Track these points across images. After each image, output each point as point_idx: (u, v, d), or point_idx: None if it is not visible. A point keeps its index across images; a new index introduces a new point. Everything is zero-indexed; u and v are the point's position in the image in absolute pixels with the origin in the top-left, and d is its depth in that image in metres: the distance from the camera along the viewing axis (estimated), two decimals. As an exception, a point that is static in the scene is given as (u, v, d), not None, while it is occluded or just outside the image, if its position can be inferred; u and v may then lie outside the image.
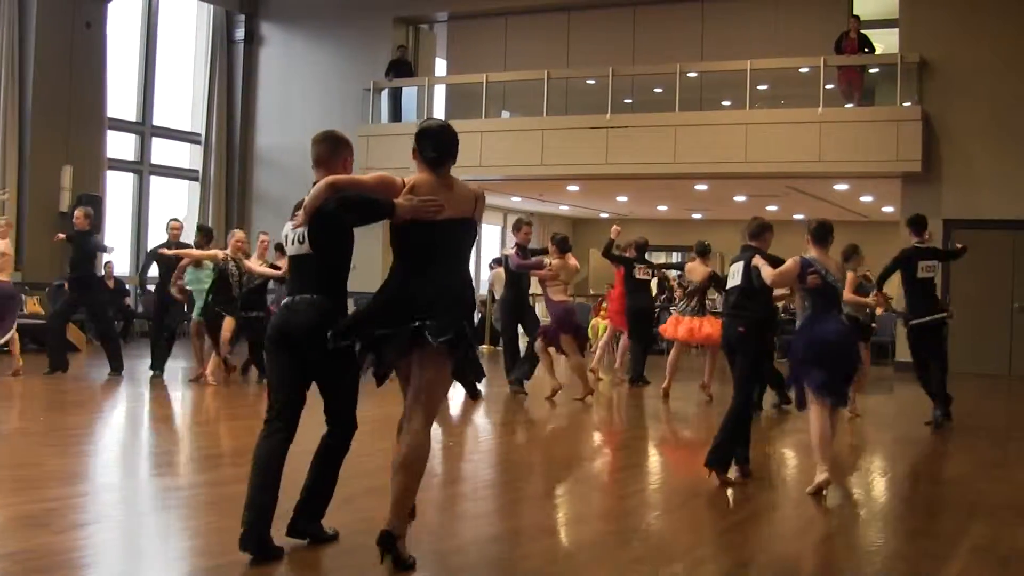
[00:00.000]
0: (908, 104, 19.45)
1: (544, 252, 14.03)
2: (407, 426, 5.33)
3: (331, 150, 5.70)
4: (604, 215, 31.11)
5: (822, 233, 8.12)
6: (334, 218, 5.34)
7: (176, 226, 15.11)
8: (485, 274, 25.61)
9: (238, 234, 14.18)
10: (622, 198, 26.63)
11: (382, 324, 5.20)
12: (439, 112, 23.99)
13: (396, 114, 24.18)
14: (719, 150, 20.14)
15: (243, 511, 5.34)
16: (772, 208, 27.09)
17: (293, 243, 5.59)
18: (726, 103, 21.62)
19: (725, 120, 20.60)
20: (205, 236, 14.75)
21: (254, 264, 13.97)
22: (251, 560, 5.26)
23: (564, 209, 30.83)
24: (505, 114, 24.05)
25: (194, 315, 14.10)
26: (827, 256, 8.13)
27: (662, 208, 29.26)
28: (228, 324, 13.63)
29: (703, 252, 14.07)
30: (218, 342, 13.72)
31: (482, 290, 25.43)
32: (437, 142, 5.49)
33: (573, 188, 24.82)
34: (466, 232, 5.44)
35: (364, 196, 5.31)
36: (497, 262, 24.11)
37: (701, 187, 23.70)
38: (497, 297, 22.60)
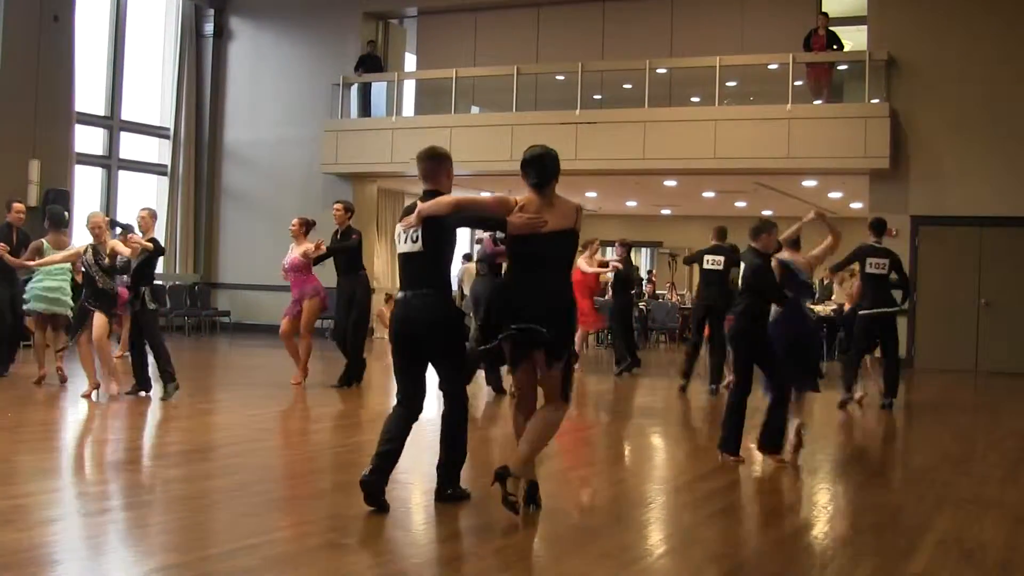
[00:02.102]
0: (876, 101, 19.57)
1: None
2: (549, 407, 6.44)
3: (436, 165, 6.64)
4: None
5: (793, 239, 9.15)
6: (445, 224, 6.38)
7: (19, 208, 13.69)
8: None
9: (94, 218, 12.29)
10: (591, 193, 26.62)
11: (510, 321, 6.27)
12: (408, 107, 23.97)
13: (366, 109, 24.12)
14: (688, 146, 20.21)
15: (369, 464, 6.41)
16: (740, 204, 27.23)
17: (406, 242, 6.50)
18: (695, 99, 21.70)
19: (694, 116, 20.68)
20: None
21: (119, 245, 12.04)
22: (369, 510, 6.27)
23: None
24: (475, 109, 24.04)
25: (31, 306, 12.83)
26: (799, 255, 9.06)
27: (631, 204, 29.33)
28: (100, 321, 11.90)
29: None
30: (90, 341, 12.00)
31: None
32: (537, 169, 6.45)
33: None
34: (568, 241, 6.46)
35: (483, 215, 6.53)
36: (467, 258, 24.17)
37: (670, 183, 23.79)
38: (467, 292, 22.71)
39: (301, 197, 22.76)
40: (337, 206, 13.87)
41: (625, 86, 22.40)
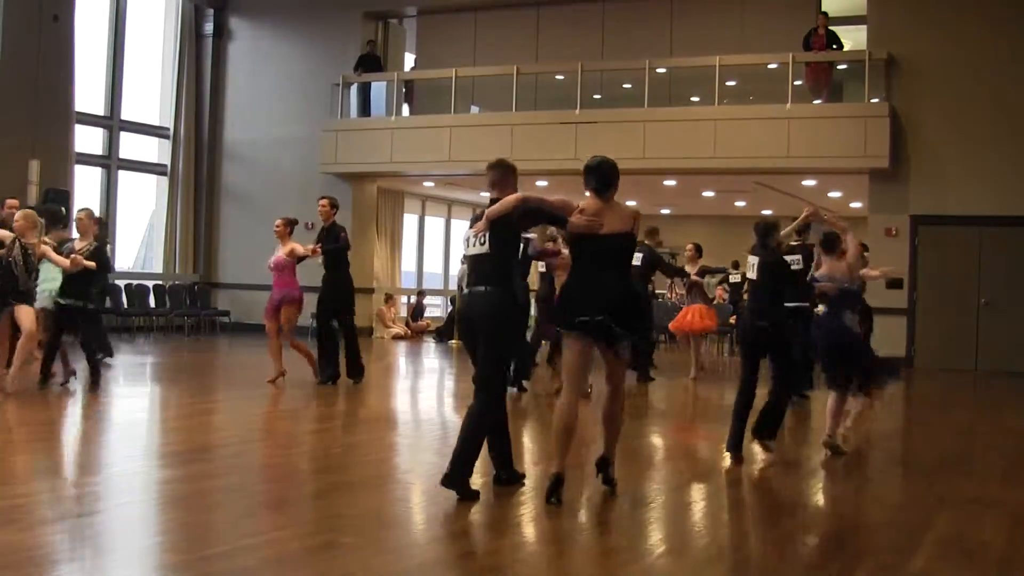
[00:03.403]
0: (876, 100, 19.54)
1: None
2: (609, 396, 7.17)
3: (503, 175, 7.15)
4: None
5: (829, 242, 9.35)
6: (510, 226, 6.94)
7: (12, 204, 13.24)
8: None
9: (20, 212, 11.88)
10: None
11: (578, 313, 6.87)
12: (407, 107, 23.91)
13: (365, 109, 24.07)
14: (688, 145, 20.18)
15: (450, 460, 6.85)
16: (740, 204, 27.22)
17: (474, 245, 7.03)
18: (695, 99, 21.67)
19: (694, 116, 20.67)
20: (53, 220, 12.84)
21: (53, 254, 11.67)
22: (457, 499, 6.67)
23: None
24: (474, 109, 24.00)
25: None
26: (836, 261, 9.27)
27: (630, 203, 29.26)
28: (26, 313, 11.53)
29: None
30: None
31: (451, 284, 25.42)
32: (598, 176, 7.04)
33: (542, 183, 24.64)
34: (625, 243, 7.03)
35: (546, 209, 7.00)
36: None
37: (670, 182, 23.76)
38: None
39: (300, 197, 22.66)
40: (323, 201, 13.83)
41: (625, 86, 22.38)
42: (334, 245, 13.52)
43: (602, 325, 6.83)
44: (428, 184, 26.17)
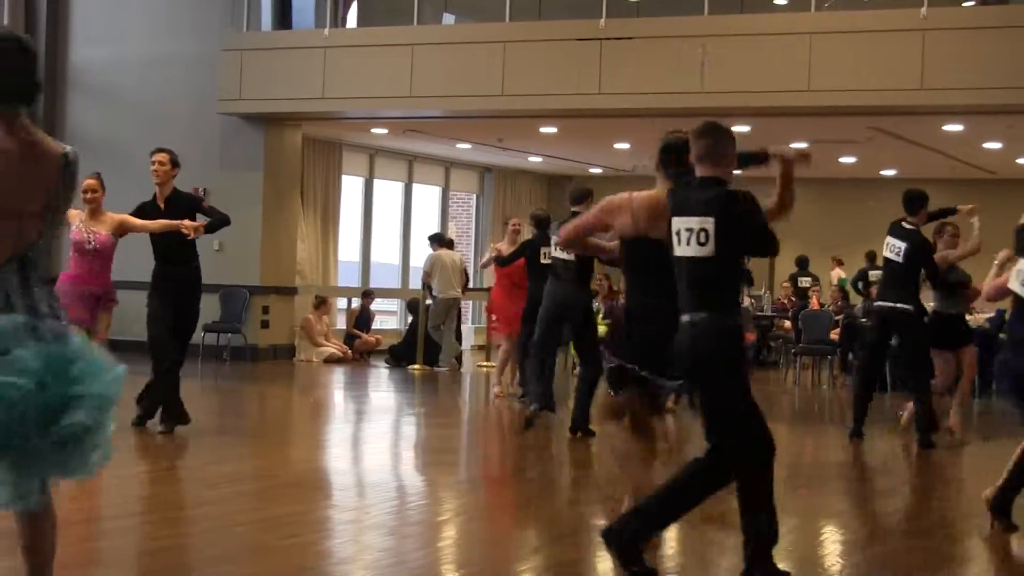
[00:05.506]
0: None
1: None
2: None
3: (716, 144, 7.69)
4: (595, 171, 30.76)
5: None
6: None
7: None
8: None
9: None
10: (622, 144, 26.27)
11: None
12: (351, 17, 23.71)
13: (285, 18, 24.00)
14: (769, 74, 19.84)
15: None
16: (848, 160, 27.12)
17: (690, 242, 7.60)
18: (780, 1, 21.28)
19: (778, 28, 20.43)
20: None
21: None
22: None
23: (535, 162, 31.03)
24: (448, 18, 24.14)
25: None
26: None
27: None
28: None
29: None
30: None
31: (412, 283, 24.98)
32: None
33: (549, 130, 24.61)
34: None
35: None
36: (437, 240, 23.71)
37: (742, 128, 23.26)
38: (436, 292, 22.35)
39: (188, 146, 22.00)
40: (160, 156, 13.70)
41: (674, -18, 22.16)
42: (219, 218, 13.50)
43: None
44: (379, 131, 26.22)
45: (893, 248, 14.09)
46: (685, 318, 7.53)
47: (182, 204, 13.47)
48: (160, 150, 13.84)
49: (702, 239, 7.41)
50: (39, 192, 5.66)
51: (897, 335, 14.63)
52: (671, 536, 8.41)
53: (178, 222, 13.01)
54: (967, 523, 10.45)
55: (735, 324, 7.63)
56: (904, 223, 14.16)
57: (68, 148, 5.95)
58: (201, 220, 13.48)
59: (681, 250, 7.57)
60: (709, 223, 7.40)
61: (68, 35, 25.04)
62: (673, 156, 8.46)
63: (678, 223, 7.55)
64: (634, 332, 8.35)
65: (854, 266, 25.28)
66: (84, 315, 12.88)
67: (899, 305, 14.10)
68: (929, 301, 14.85)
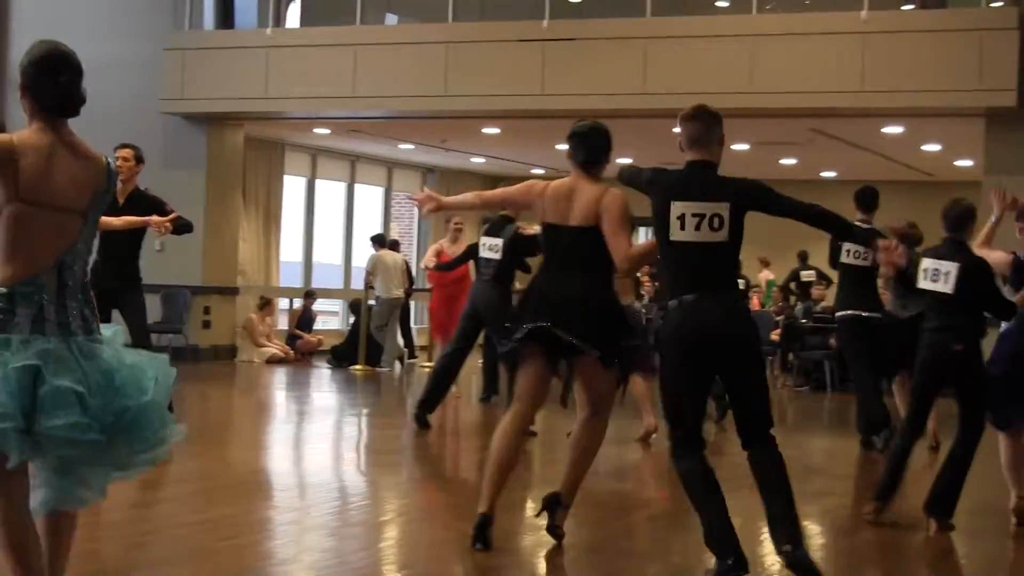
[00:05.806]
0: (999, 3, 19.25)
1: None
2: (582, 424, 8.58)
3: (706, 128, 7.70)
4: (538, 171, 30.80)
5: None
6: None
7: None
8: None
9: None
10: (564, 146, 26.12)
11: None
12: (293, 16, 23.97)
13: (227, 17, 23.96)
14: (711, 76, 19.78)
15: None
16: (788, 161, 27.24)
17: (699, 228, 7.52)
18: (722, 3, 21.37)
19: (721, 30, 20.49)
20: None
21: None
22: None
23: (478, 162, 31.17)
24: (391, 19, 24.14)
25: None
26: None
27: (624, 161, 28.95)
28: None
29: None
30: None
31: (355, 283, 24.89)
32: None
33: (492, 131, 24.62)
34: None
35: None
36: (379, 241, 23.69)
37: (683, 130, 23.42)
38: (378, 292, 22.36)
39: (128, 148, 22.18)
40: (124, 152, 13.35)
41: (617, -15, 22.15)
42: (187, 221, 13.14)
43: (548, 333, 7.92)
44: (321, 131, 26.20)
45: (857, 254, 14.04)
46: (688, 298, 7.41)
47: (144, 205, 13.04)
48: (124, 146, 13.45)
49: (715, 224, 7.36)
50: (86, 192, 5.77)
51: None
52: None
53: (146, 218, 12.68)
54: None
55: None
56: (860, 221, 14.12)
57: (105, 156, 6.09)
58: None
59: (686, 235, 7.43)
60: (724, 208, 7.37)
61: (8, 33, 24.88)
62: (576, 143, 8.80)
63: (681, 207, 7.41)
64: (549, 301, 8.16)
65: (785, 267, 25.54)
66: None
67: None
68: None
